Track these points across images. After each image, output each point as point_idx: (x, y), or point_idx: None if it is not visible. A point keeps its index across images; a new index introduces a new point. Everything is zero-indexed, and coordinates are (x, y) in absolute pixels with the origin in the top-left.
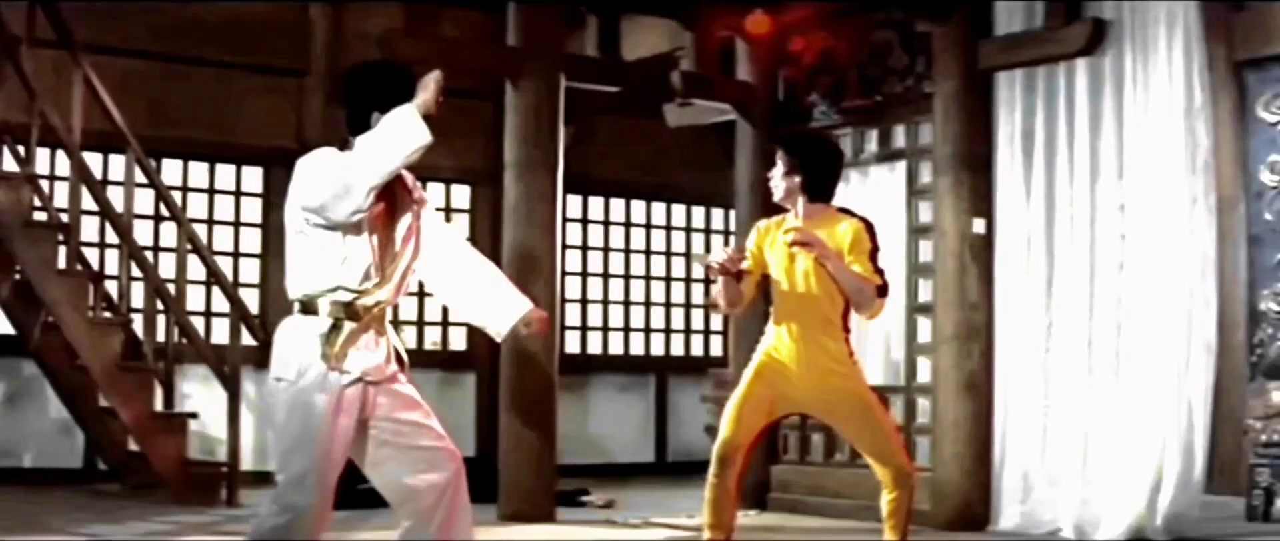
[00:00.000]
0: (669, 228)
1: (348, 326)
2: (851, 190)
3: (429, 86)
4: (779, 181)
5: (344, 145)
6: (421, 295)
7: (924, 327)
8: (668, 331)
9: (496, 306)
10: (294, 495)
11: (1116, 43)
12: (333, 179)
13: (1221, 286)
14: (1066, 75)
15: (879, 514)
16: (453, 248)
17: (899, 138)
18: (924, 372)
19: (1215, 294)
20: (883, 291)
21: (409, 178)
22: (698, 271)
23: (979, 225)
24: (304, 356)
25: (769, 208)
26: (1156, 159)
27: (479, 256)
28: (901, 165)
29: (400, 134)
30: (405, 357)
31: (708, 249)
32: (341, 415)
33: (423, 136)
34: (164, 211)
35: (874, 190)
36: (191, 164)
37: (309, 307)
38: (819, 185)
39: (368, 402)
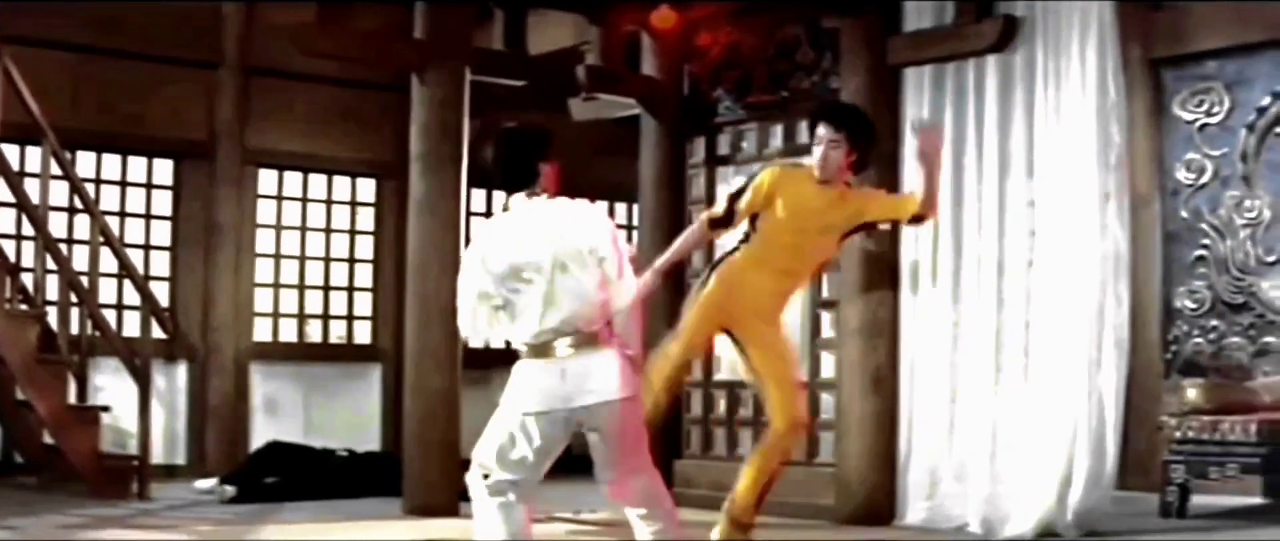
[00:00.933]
0: None
1: None
2: None
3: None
4: (830, 154)
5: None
6: (326, 289)
7: (827, 322)
8: None
9: None
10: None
11: (1028, 40)
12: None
13: (1136, 283)
14: (976, 72)
15: (778, 509)
16: None
17: (804, 133)
18: (828, 368)
19: (1128, 291)
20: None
21: None
22: None
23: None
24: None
25: (673, 202)
26: (1068, 156)
27: None
28: (807, 160)
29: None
30: None
31: None
32: None
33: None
34: (78, 203)
35: None
36: (104, 156)
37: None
38: (865, 158)
39: None
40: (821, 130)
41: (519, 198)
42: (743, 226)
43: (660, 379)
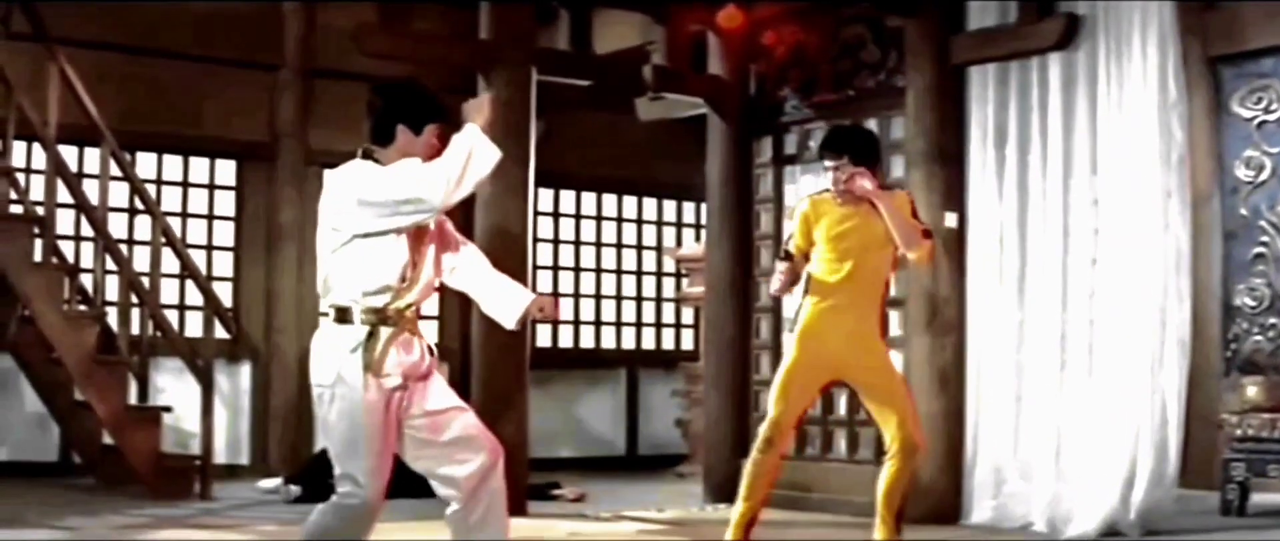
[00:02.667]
0: (640, 221)
1: (385, 331)
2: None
3: (484, 108)
4: (835, 176)
5: (366, 155)
6: None
7: (895, 320)
8: (639, 325)
9: (506, 298)
10: (349, 492)
11: (1090, 38)
12: (402, 188)
13: (1196, 281)
14: (1039, 70)
15: (844, 507)
16: (463, 249)
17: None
18: (897, 366)
19: (1189, 289)
20: (928, 234)
21: None
22: (669, 265)
23: (951, 219)
24: (344, 363)
25: (740, 201)
26: (1130, 154)
27: (483, 257)
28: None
29: (478, 154)
30: (434, 350)
31: (679, 243)
32: (388, 415)
33: (495, 154)
34: (138, 205)
35: None
36: (165, 157)
37: (344, 316)
38: (876, 170)
39: (406, 401)
40: (825, 160)
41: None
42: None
43: (762, 478)
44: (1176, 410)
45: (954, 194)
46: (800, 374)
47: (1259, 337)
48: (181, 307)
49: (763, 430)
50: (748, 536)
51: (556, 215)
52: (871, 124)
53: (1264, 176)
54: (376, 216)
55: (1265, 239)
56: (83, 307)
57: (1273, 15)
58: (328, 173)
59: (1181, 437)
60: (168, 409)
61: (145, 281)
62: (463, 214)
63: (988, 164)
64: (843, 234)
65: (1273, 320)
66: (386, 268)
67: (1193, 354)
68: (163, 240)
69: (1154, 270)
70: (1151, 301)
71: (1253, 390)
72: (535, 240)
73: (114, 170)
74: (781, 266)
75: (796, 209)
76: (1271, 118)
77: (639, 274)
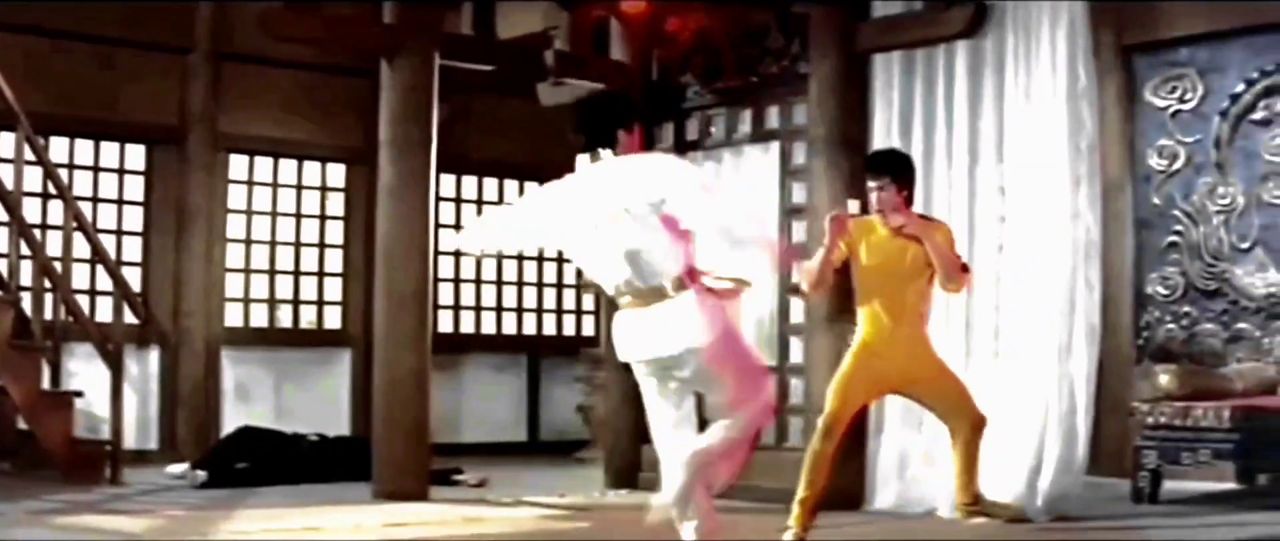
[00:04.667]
0: None
1: None
2: (724, 171)
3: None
4: (880, 197)
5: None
6: (297, 274)
7: (797, 308)
8: (540, 311)
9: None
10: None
11: (998, 26)
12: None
13: (1107, 269)
14: (946, 58)
15: (747, 493)
16: None
17: (773, 118)
18: (797, 353)
19: (1099, 276)
20: (965, 268)
21: None
22: None
23: (853, 206)
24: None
25: None
26: (1038, 142)
27: None
28: (775, 146)
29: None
30: None
31: None
32: None
33: None
34: (51, 189)
35: (747, 171)
36: (77, 142)
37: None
38: (911, 192)
39: None
40: (868, 182)
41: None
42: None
43: (822, 466)
44: (1085, 397)
45: (856, 180)
46: (860, 380)
47: (1172, 326)
48: (93, 293)
49: (821, 421)
50: (811, 522)
51: (459, 201)
52: (774, 110)
53: (1178, 165)
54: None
55: (1179, 228)
56: None
57: (1188, 5)
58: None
59: (1091, 424)
60: (79, 393)
61: (58, 266)
62: (366, 198)
63: None
64: (890, 252)
65: (1186, 308)
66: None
67: (1104, 342)
68: (74, 225)
69: (1062, 257)
70: (1060, 288)
71: (1165, 378)
72: (437, 226)
73: (28, 154)
74: (813, 263)
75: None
76: (1186, 107)
77: (541, 260)
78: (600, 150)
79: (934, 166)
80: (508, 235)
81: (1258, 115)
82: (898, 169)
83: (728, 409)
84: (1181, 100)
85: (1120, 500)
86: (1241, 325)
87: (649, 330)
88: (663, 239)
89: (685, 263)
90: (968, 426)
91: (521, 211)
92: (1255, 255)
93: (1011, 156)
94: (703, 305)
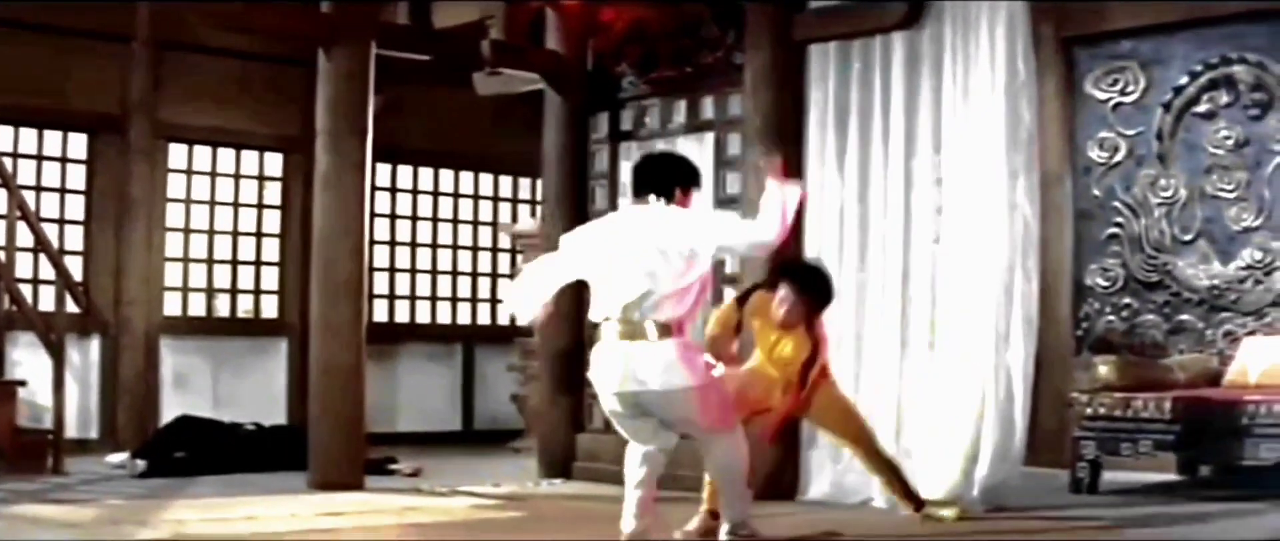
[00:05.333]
0: (477, 197)
1: None
2: None
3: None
4: (785, 304)
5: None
6: (235, 263)
7: (730, 297)
8: (475, 301)
9: None
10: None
11: (936, 17)
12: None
13: (1047, 261)
14: (883, 50)
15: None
16: None
17: (708, 109)
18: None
19: (1037, 268)
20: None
21: None
22: (505, 241)
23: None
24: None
25: (576, 177)
26: (976, 134)
27: None
28: (710, 136)
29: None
30: None
31: (515, 219)
32: None
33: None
34: None
35: None
36: (21, 131)
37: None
38: (820, 307)
39: None
40: (780, 290)
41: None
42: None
43: None
44: (1023, 387)
45: (792, 171)
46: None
47: (1112, 317)
48: (35, 282)
49: None
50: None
51: (394, 190)
52: (708, 101)
53: (1119, 157)
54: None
55: (1120, 220)
56: None
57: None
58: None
59: (1029, 415)
60: (22, 383)
61: (1, 255)
62: (303, 187)
63: (828, 142)
64: (775, 344)
65: (1127, 300)
66: None
67: (1043, 333)
68: (18, 214)
69: (1000, 249)
70: (997, 279)
71: (1105, 369)
72: (373, 215)
73: None
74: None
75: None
76: (1127, 99)
77: (475, 249)
78: (651, 198)
79: (870, 157)
80: (549, 280)
81: (1201, 108)
82: (805, 283)
83: (703, 433)
84: (1123, 93)
85: (1058, 490)
86: (1183, 317)
87: (628, 366)
88: (678, 285)
89: (680, 314)
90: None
91: (559, 255)
92: (1198, 247)
93: (949, 148)
94: (684, 352)
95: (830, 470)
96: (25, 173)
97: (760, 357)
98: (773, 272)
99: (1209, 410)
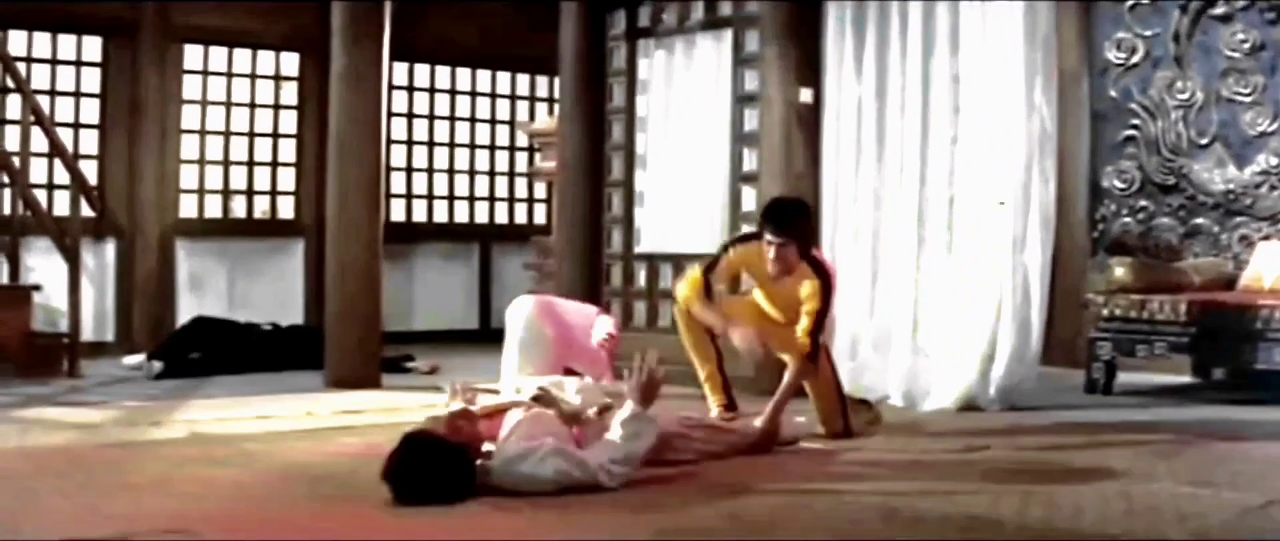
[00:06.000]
0: (494, 95)
1: None
2: (676, 59)
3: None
4: (776, 255)
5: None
6: (250, 165)
7: (749, 197)
8: (492, 199)
9: None
10: None
11: None
12: None
13: (1063, 162)
14: None
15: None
16: None
17: (726, 6)
18: None
19: (1055, 169)
20: (812, 357)
21: None
22: (522, 139)
23: (806, 95)
24: None
25: (593, 75)
26: (993, 33)
27: None
28: (728, 33)
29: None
30: None
31: (532, 117)
32: None
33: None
34: (8, 82)
35: (699, 58)
36: (35, 35)
37: None
38: (806, 246)
39: None
40: (768, 235)
41: None
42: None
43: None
44: (1039, 288)
45: (809, 69)
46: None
47: (1128, 219)
48: (50, 187)
49: (678, 308)
50: (729, 388)
51: (411, 89)
52: None
53: (1135, 59)
54: None
55: (1136, 122)
56: None
57: None
58: None
59: (1045, 316)
60: (38, 287)
61: (16, 160)
62: (319, 87)
63: (846, 40)
64: (772, 294)
65: (1143, 202)
66: None
67: (1059, 234)
68: (32, 119)
69: (1017, 149)
70: (1015, 180)
71: (1120, 271)
72: (390, 114)
73: None
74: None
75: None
76: (1144, 0)
77: (492, 148)
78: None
79: (888, 56)
80: None
81: (1218, 10)
82: (790, 225)
83: None
84: None
85: (1073, 391)
86: (1199, 220)
87: None
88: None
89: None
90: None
91: None
92: (1214, 151)
93: (966, 47)
94: None
95: (847, 365)
96: (39, 77)
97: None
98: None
99: (1224, 313)
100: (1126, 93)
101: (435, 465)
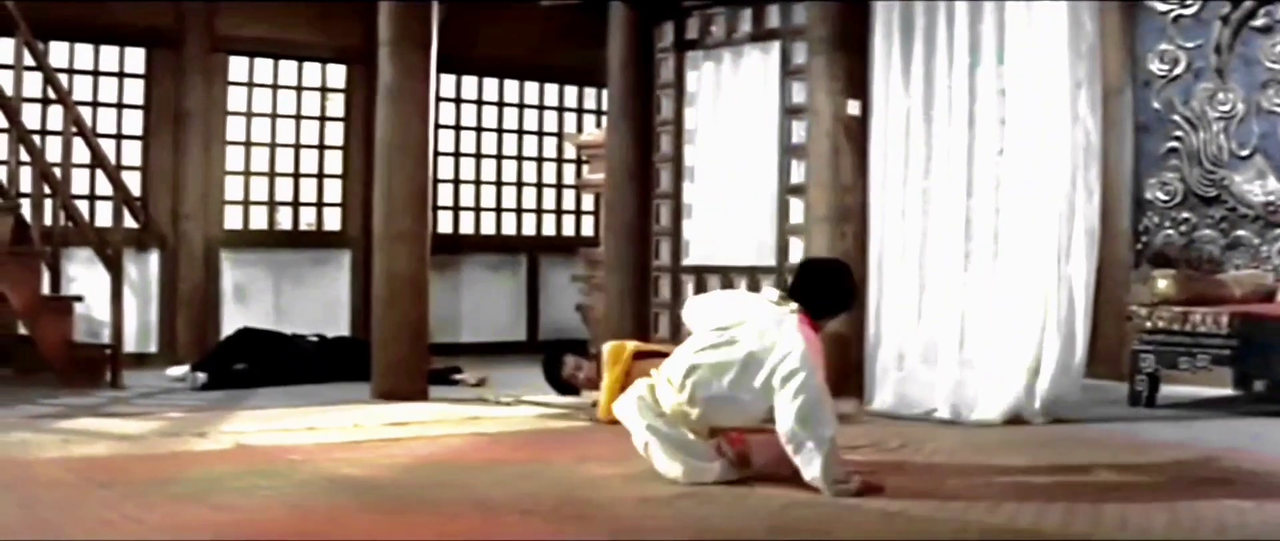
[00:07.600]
0: (541, 107)
1: None
2: (724, 71)
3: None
4: None
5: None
6: (296, 176)
7: (796, 208)
8: (539, 211)
9: None
10: None
11: None
12: None
13: (1107, 174)
14: None
15: None
16: None
17: (773, 18)
18: (796, 253)
19: (1099, 180)
20: None
21: None
22: (569, 151)
23: (853, 107)
24: None
25: (641, 86)
26: (1038, 45)
27: None
28: (775, 46)
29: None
30: None
31: (579, 129)
32: None
33: None
34: (51, 94)
35: (746, 70)
36: (77, 46)
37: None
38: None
39: None
40: None
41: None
42: None
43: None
44: (1084, 300)
45: (856, 81)
46: None
47: (1171, 231)
48: (92, 197)
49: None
50: None
51: (458, 101)
52: (774, 10)
53: (1178, 70)
54: None
55: (1179, 133)
56: None
57: None
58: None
59: (1089, 328)
60: (79, 298)
61: (57, 171)
62: (366, 98)
63: (893, 52)
64: None
65: (1185, 214)
66: None
67: (1102, 246)
68: (74, 130)
69: (1062, 161)
70: (1059, 191)
71: (1163, 283)
72: (437, 126)
73: (27, 60)
74: None
75: None
76: (1187, 11)
77: (540, 160)
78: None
79: (935, 68)
80: None
81: (1259, 22)
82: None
83: None
84: (1182, 4)
85: (1117, 403)
86: (1240, 232)
87: None
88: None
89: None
90: None
91: None
92: (1254, 162)
93: (1012, 58)
94: None
95: (894, 380)
96: (82, 88)
97: None
98: None
99: (1264, 325)
100: (1169, 104)
101: None
